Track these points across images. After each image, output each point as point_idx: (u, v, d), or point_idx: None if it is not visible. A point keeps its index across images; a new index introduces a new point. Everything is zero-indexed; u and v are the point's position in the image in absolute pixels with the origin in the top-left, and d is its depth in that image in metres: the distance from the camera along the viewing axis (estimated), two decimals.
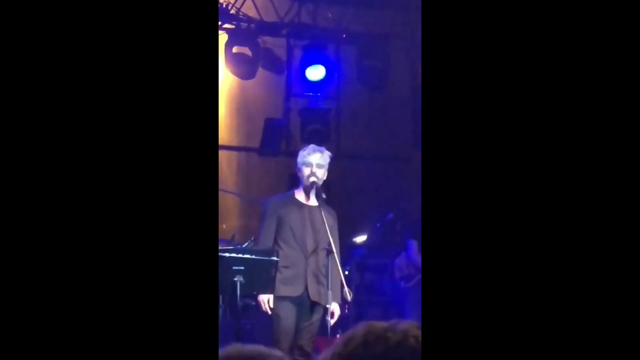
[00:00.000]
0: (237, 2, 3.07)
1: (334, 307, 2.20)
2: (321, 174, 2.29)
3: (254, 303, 2.24)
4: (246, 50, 3.04)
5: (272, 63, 3.15)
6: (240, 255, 2.16)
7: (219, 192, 2.61)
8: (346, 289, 2.23)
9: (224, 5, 2.95)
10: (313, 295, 2.20)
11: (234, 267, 2.09)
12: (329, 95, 3.29)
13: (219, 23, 2.90)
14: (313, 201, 2.26)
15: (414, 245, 2.64)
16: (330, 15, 3.13)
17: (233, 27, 3.09)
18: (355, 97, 3.31)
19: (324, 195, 2.26)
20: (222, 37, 2.96)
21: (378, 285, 2.54)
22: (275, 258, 2.17)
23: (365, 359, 0.54)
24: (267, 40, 3.17)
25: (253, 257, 2.18)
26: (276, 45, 3.21)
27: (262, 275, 2.16)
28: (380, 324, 0.56)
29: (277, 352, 0.65)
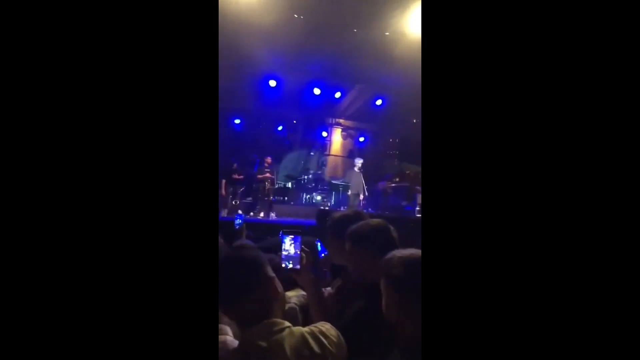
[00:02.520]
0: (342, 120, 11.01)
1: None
2: (360, 164, 9.60)
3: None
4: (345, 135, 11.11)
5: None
6: (343, 183, 10.08)
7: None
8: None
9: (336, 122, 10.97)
10: None
11: (340, 185, 9.95)
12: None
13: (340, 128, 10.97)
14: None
15: (383, 182, 10.10)
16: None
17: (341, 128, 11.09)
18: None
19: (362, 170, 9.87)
20: (337, 129, 10.94)
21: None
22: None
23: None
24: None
25: (344, 183, 9.99)
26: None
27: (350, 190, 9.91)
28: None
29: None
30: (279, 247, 1.34)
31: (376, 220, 1.44)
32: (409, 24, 6.57)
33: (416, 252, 1.06)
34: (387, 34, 7.03)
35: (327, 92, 9.58)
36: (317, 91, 9.56)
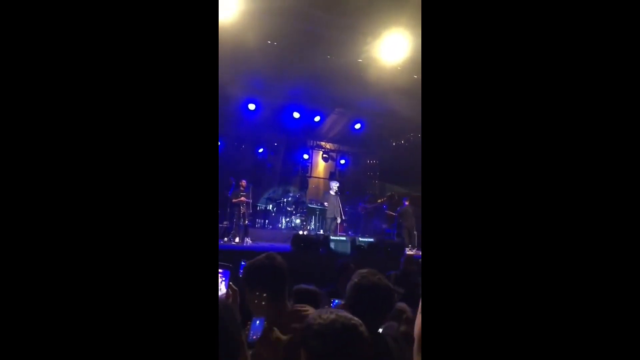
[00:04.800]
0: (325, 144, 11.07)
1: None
2: (336, 187, 9.67)
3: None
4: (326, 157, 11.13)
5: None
6: (320, 207, 9.98)
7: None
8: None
9: (317, 144, 11.03)
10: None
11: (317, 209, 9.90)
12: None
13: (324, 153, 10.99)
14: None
15: (361, 204, 10.05)
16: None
17: (322, 151, 11.13)
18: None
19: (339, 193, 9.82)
20: (319, 152, 10.99)
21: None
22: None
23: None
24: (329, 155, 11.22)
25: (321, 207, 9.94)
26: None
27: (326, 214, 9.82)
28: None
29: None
30: None
31: (266, 254, 1.39)
32: (380, 51, 6.70)
33: (338, 315, 0.96)
34: (360, 60, 7.14)
35: (307, 115, 9.70)
36: (296, 115, 9.64)
